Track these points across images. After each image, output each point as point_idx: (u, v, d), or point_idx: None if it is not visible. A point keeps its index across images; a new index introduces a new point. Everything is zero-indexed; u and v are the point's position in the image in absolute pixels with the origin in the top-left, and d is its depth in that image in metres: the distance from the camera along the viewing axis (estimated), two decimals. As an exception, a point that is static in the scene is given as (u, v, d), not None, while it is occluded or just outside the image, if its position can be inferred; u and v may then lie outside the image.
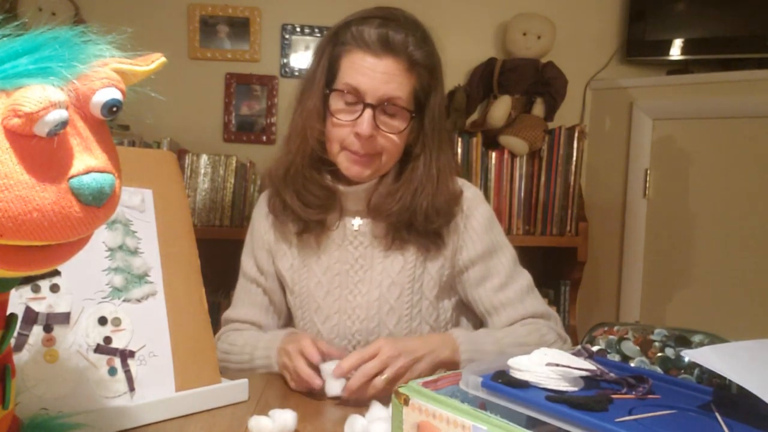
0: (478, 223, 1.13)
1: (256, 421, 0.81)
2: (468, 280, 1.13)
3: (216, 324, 1.15)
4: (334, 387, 0.94)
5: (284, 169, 1.11)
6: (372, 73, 1.02)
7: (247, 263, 1.22)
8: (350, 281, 1.13)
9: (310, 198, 1.10)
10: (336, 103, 1.06)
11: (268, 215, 1.19)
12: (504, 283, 1.12)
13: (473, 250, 1.12)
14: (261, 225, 1.20)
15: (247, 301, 1.20)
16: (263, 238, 1.19)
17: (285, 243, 1.17)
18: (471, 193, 1.16)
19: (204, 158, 1.97)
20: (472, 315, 1.21)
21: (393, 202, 1.08)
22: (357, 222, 1.14)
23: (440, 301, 1.15)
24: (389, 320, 1.12)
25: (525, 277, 1.15)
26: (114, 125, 1.96)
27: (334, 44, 1.07)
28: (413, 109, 1.07)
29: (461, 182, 1.17)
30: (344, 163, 1.08)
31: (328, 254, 1.14)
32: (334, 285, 1.14)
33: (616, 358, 0.79)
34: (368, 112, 1.02)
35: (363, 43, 1.02)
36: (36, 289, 0.79)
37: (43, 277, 0.78)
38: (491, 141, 2.07)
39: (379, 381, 0.92)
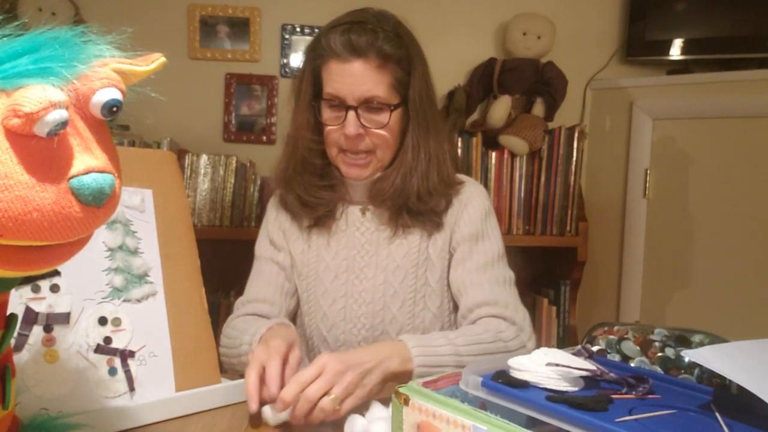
0: (473, 210, 1.17)
1: (266, 411, 0.84)
2: (452, 261, 1.16)
3: (216, 324, 1.14)
4: (275, 414, 0.84)
5: (281, 176, 1.19)
6: (345, 78, 1.08)
7: (261, 246, 1.25)
8: (357, 266, 1.18)
9: (310, 200, 1.17)
10: (324, 112, 1.12)
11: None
12: (481, 266, 1.13)
13: (462, 232, 1.16)
14: (275, 211, 1.25)
15: (261, 280, 1.21)
16: (278, 220, 1.24)
17: (299, 228, 1.22)
18: (474, 187, 1.22)
19: (204, 158, 1.97)
20: None
21: (387, 187, 1.13)
22: (363, 210, 1.19)
23: (443, 288, 1.18)
24: (393, 304, 1.15)
25: (505, 271, 1.15)
26: (114, 125, 1.96)
27: (313, 58, 1.13)
28: (397, 101, 1.11)
29: (467, 179, 1.23)
30: (343, 167, 1.15)
31: (337, 240, 1.19)
32: (342, 269, 1.18)
33: (616, 358, 0.79)
34: (351, 113, 1.08)
35: (332, 52, 1.08)
36: (36, 289, 0.79)
37: (43, 277, 0.78)
38: (491, 141, 2.07)
39: (327, 402, 0.81)
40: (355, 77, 1.07)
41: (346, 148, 1.11)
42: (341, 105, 1.09)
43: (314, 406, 0.81)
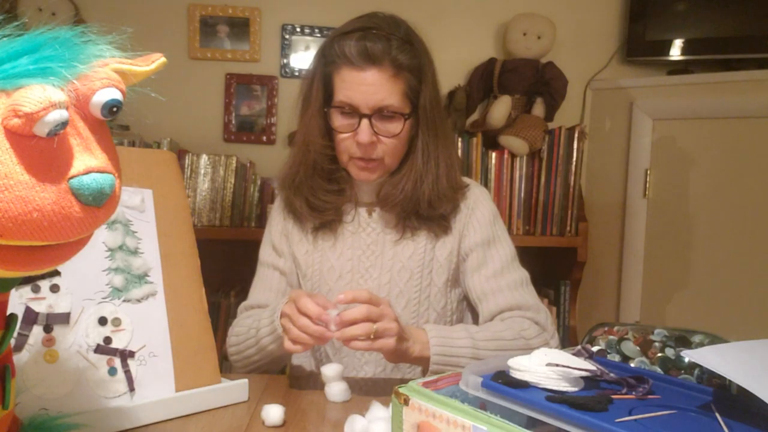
0: (482, 215, 1.18)
1: (266, 411, 0.84)
2: (466, 267, 1.17)
3: (216, 324, 1.14)
4: (335, 393, 0.95)
5: (290, 180, 1.18)
6: (360, 86, 1.07)
7: (264, 251, 1.25)
8: (362, 266, 1.18)
9: (319, 204, 1.17)
10: (336, 119, 1.11)
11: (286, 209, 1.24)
12: (498, 271, 1.15)
13: (473, 239, 1.17)
14: (279, 214, 1.25)
15: (263, 286, 1.22)
16: (281, 224, 1.24)
17: (302, 231, 1.22)
18: (479, 190, 1.23)
19: (204, 158, 1.97)
20: (474, 311, 1.23)
21: (397, 193, 1.14)
22: (369, 211, 1.20)
23: (448, 289, 1.19)
24: (398, 303, 1.16)
25: (521, 272, 1.17)
26: (114, 125, 1.96)
27: (324, 63, 1.12)
28: (408, 110, 1.11)
29: (470, 181, 1.23)
30: (353, 170, 1.15)
31: (342, 241, 1.19)
32: (346, 269, 1.18)
33: (616, 358, 0.79)
34: (365, 122, 1.08)
35: (347, 59, 1.07)
36: (36, 289, 0.79)
37: (43, 277, 0.78)
38: (491, 141, 2.07)
39: (367, 326, 0.91)
40: (370, 86, 1.06)
41: (359, 155, 1.11)
42: (354, 113, 1.08)
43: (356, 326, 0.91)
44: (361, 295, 0.93)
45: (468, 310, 1.25)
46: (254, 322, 1.10)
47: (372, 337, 0.92)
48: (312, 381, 1.07)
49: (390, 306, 0.96)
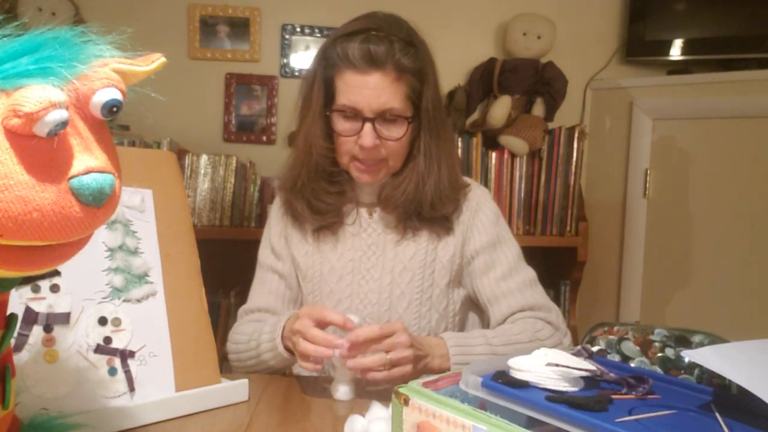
0: (485, 216, 1.18)
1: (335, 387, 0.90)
2: (473, 270, 1.17)
3: (216, 324, 1.14)
4: (342, 391, 0.95)
5: (292, 183, 1.17)
6: (363, 90, 1.06)
7: (263, 253, 1.25)
8: (363, 267, 1.17)
9: (320, 206, 1.16)
10: (338, 121, 1.10)
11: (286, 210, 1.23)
12: (506, 273, 1.15)
13: (479, 241, 1.16)
14: (278, 216, 1.25)
15: (262, 290, 1.22)
16: (279, 225, 1.24)
17: (301, 232, 1.21)
18: (480, 191, 1.23)
19: (204, 158, 1.97)
20: (479, 310, 1.24)
21: (399, 195, 1.13)
22: (370, 211, 1.19)
23: (450, 290, 1.18)
24: (400, 304, 1.15)
25: (528, 272, 1.18)
26: (114, 125, 1.96)
27: (325, 66, 1.11)
28: (411, 113, 1.10)
29: (471, 181, 1.23)
30: (355, 173, 1.14)
31: (343, 242, 1.19)
32: (347, 270, 1.18)
33: (616, 358, 0.79)
34: (368, 125, 1.07)
35: (349, 62, 1.06)
36: (36, 289, 0.79)
37: (43, 277, 0.78)
38: (491, 141, 2.07)
39: (381, 357, 0.92)
40: (372, 89, 1.05)
41: (361, 157, 1.10)
42: (357, 116, 1.07)
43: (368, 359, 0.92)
44: (372, 332, 0.92)
45: (472, 310, 1.25)
46: (255, 334, 1.10)
47: (388, 366, 0.92)
48: (313, 381, 1.07)
49: (405, 331, 0.94)
